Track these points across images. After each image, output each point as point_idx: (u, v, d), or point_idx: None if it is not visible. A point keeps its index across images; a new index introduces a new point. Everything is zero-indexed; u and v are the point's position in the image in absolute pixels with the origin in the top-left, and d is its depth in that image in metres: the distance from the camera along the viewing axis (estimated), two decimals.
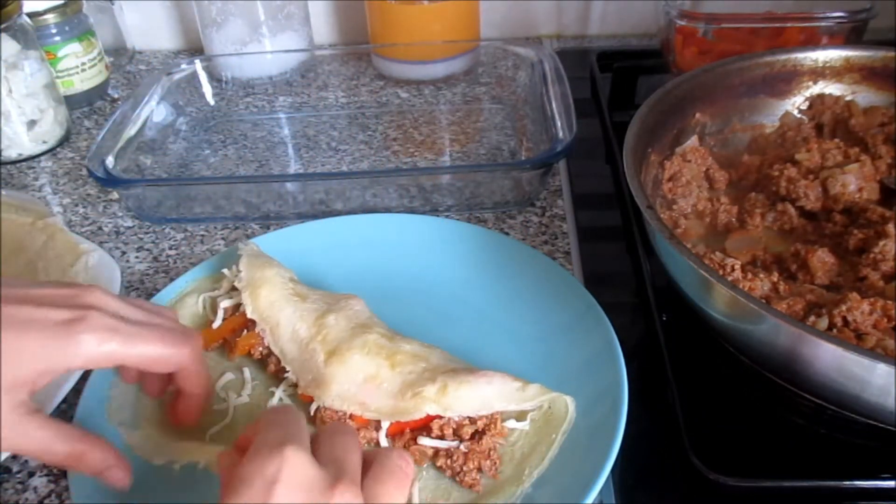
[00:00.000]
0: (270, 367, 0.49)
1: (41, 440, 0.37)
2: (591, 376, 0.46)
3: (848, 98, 0.63)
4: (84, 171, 0.76)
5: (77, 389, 0.47)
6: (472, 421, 0.43)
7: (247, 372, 0.49)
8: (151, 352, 0.39)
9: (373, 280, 0.55)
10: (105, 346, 0.37)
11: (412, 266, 0.57)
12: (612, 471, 0.40)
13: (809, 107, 0.64)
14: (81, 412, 0.46)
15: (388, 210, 0.65)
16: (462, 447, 0.42)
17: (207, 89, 0.82)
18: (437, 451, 0.43)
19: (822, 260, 0.49)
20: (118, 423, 0.46)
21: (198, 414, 0.44)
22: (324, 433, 0.34)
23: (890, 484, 0.42)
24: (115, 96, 0.89)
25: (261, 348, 0.50)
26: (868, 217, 0.52)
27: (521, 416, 0.44)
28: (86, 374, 0.48)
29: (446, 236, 0.59)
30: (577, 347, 0.48)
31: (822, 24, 0.71)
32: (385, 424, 0.44)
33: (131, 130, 0.69)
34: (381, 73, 0.88)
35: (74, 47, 0.82)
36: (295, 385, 0.47)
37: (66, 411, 0.49)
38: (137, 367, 0.40)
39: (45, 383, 0.37)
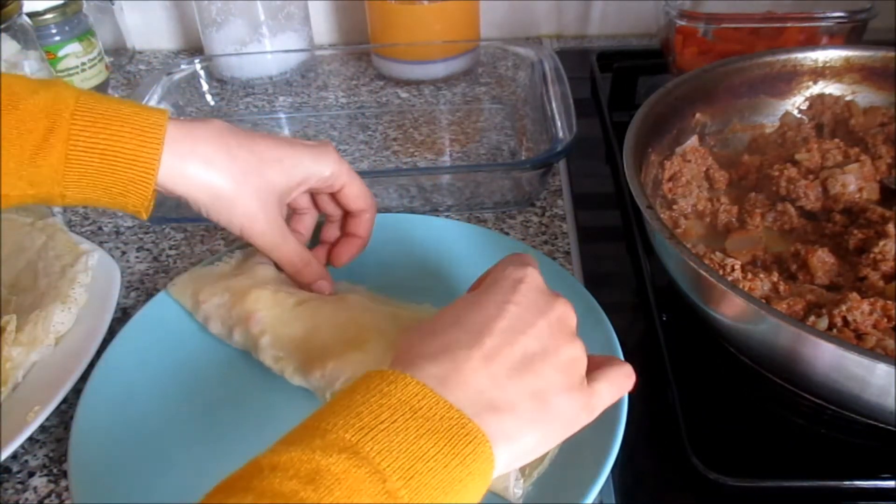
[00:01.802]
0: None
1: (293, 246, 0.50)
2: None
3: (848, 98, 0.63)
4: None
5: (77, 390, 0.48)
6: None
7: None
8: (362, 186, 0.52)
9: (372, 280, 0.55)
10: (342, 163, 0.51)
11: (412, 266, 0.57)
12: (612, 471, 0.40)
13: (809, 107, 0.64)
14: (81, 412, 0.46)
15: (388, 210, 0.65)
16: None
17: (207, 89, 0.82)
18: None
19: (822, 260, 0.49)
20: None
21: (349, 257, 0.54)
22: None
23: (890, 484, 0.42)
24: (115, 96, 0.89)
25: None
26: (868, 217, 0.52)
27: None
28: (86, 375, 0.48)
29: (446, 236, 0.59)
30: None
31: (822, 24, 0.71)
32: None
33: None
34: (381, 73, 0.88)
35: (74, 47, 0.82)
36: None
37: (65, 411, 0.50)
38: (348, 195, 0.52)
39: (295, 195, 0.50)
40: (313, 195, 0.54)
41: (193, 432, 0.46)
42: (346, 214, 0.54)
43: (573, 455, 0.42)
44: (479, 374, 0.33)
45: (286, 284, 0.52)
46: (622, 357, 0.46)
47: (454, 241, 0.58)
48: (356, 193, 0.52)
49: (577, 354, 0.37)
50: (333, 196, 0.53)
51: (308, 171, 0.49)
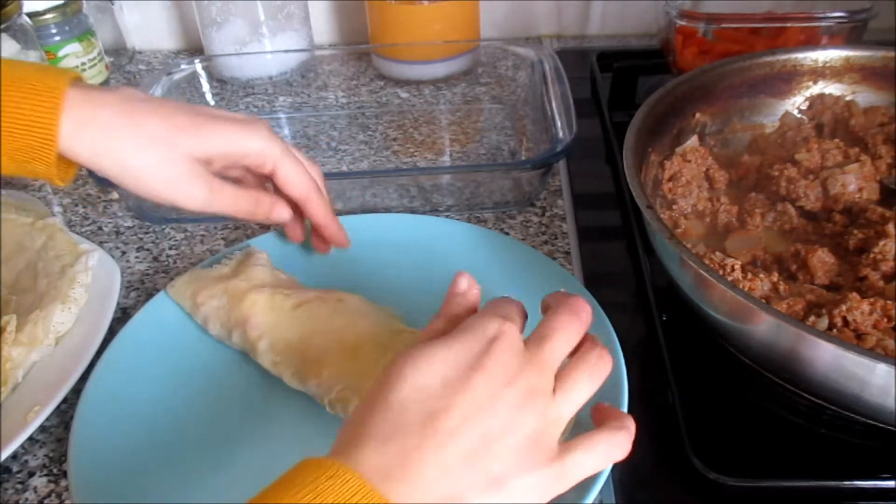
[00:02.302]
0: None
1: (231, 192, 0.48)
2: None
3: (848, 98, 0.63)
4: (84, 171, 0.76)
5: (77, 389, 0.48)
6: None
7: None
8: (297, 169, 0.50)
9: (372, 280, 0.55)
10: (273, 141, 0.49)
11: (412, 266, 0.57)
12: (612, 471, 0.40)
13: (809, 107, 0.64)
14: (81, 412, 0.46)
15: (388, 210, 0.65)
16: None
17: (207, 89, 0.82)
18: None
19: (822, 260, 0.49)
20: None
21: (341, 238, 0.55)
22: (555, 310, 0.37)
23: (890, 484, 0.42)
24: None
25: None
26: (868, 217, 0.52)
27: None
28: (86, 375, 0.48)
29: (446, 236, 0.59)
30: None
31: (822, 24, 0.71)
32: None
33: None
34: (381, 73, 0.88)
35: (74, 47, 0.82)
36: None
37: (65, 411, 0.50)
38: (283, 179, 0.50)
39: (221, 165, 0.48)
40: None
41: (193, 432, 0.46)
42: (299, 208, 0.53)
43: None
44: (429, 463, 0.30)
45: (284, 286, 0.52)
46: (623, 358, 0.46)
47: (454, 241, 0.58)
48: (290, 178, 0.50)
49: (546, 425, 0.33)
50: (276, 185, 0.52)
51: (230, 143, 0.47)
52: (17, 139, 0.42)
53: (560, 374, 0.35)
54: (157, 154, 0.45)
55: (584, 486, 0.39)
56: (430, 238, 0.59)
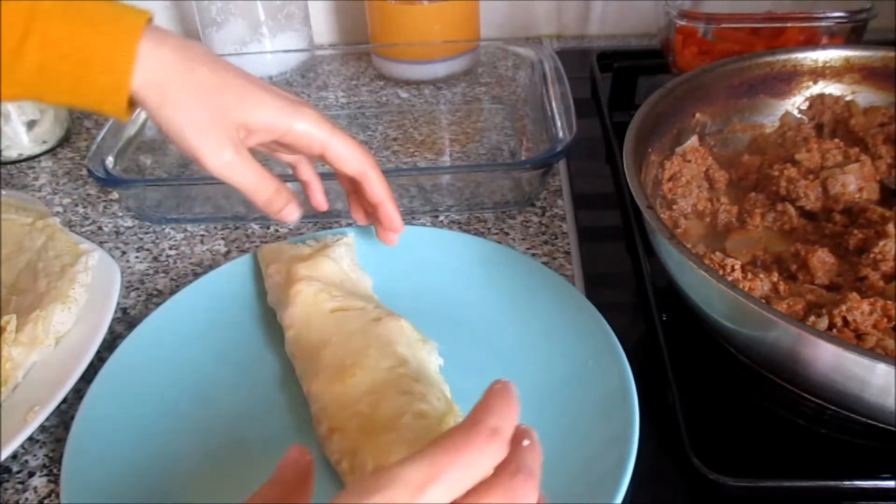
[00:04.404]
0: None
1: (258, 175, 0.47)
2: (603, 417, 0.45)
3: (848, 98, 0.63)
4: (84, 171, 0.76)
5: (77, 389, 0.48)
6: None
7: None
8: (349, 147, 0.49)
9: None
10: (320, 125, 0.48)
11: (410, 273, 0.57)
12: None
13: (809, 107, 0.64)
14: (81, 412, 0.46)
15: None
16: None
17: None
18: None
19: (822, 260, 0.49)
20: None
21: (396, 220, 0.53)
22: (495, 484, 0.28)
23: (890, 484, 0.42)
24: None
25: None
26: (868, 217, 0.52)
27: None
28: (86, 375, 0.48)
29: (445, 247, 0.58)
30: (588, 391, 0.46)
31: (822, 24, 0.71)
32: None
33: (131, 130, 0.69)
34: (381, 73, 0.88)
35: None
36: None
37: (65, 411, 0.50)
38: (335, 159, 0.49)
39: (264, 140, 0.48)
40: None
41: (191, 438, 0.46)
42: (357, 186, 0.52)
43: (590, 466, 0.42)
44: None
45: (340, 287, 0.52)
46: (625, 358, 0.46)
47: (453, 251, 0.58)
48: (342, 155, 0.49)
49: None
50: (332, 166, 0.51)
51: (271, 116, 0.46)
52: (91, 82, 0.42)
53: None
54: (200, 98, 0.44)
55: (612, 485, 0.39)
56: (429, 248, 0.58)
